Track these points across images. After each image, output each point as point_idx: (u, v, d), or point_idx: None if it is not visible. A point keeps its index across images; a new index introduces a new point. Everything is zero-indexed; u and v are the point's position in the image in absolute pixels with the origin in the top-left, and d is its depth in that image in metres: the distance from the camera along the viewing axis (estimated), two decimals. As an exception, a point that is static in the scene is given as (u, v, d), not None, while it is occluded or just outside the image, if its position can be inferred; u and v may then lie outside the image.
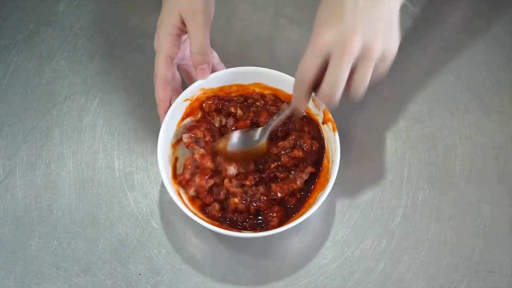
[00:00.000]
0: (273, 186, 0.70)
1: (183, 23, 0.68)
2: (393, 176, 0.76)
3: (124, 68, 0.82)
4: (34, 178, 0.75)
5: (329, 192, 0.66)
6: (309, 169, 0.71)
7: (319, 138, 0.73)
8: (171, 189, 0.67)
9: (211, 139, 0.71)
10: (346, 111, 0.79)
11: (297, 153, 0.71)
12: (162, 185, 0.74)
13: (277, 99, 0.75)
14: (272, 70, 0.73)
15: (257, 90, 0.75)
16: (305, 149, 0.71)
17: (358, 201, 0.74)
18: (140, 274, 0.71)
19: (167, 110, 0.70)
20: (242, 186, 0.71)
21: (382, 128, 0.78)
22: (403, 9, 0.85)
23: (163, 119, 0.69)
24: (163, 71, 0.69)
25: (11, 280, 0.70)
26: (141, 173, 0.76)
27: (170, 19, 0.68)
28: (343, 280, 0.70)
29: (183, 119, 0.73)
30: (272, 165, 0.71)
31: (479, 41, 0.84)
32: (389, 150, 0.77)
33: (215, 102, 0.74)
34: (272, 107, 0.74)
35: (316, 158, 0.72)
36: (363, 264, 0.71)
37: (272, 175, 0.71)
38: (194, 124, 0.72)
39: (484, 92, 0.80)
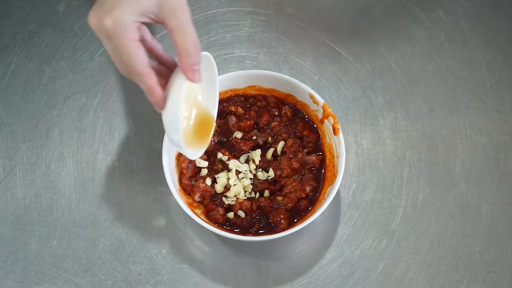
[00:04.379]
0: (280, 198, 0.70)
1: (154, 17, 0.59)
2: (393, 176, 0.76)
3: (124, 68, 0.81)
4: (34, 178, 0.75)
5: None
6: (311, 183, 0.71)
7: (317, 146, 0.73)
8: (182, 202, 0.67)
9: (213, 141, 0.71)
10: (345, 111, 0.79)
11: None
12: (162, 185, 0.74)
13: (278, 101, 0.75)
14: (267, 71, 0.73)
15: (253, 92, 0.75)
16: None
17: (358, 201, 0.74)
18: (140, 274, 0.71)
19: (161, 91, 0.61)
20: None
21: (382, 128, 0.78)
22: (403, 9, 0.86)
23: (160, 96, 0.61)
24: (142, 59, 0.59)
25: (11, 280, 0.70)
26: (141, 173, 0.76)
27: (139, 3, 0.57)
28: (343, 280, 0.70)
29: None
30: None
31: (479, 41, 0.84)
32: (389, 150, 0.77)
33: None
34: (273, 109, 0.74)
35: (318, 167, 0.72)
36: (363, 264, 0.71)
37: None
38: None
39: (484, 92, 0.80)
